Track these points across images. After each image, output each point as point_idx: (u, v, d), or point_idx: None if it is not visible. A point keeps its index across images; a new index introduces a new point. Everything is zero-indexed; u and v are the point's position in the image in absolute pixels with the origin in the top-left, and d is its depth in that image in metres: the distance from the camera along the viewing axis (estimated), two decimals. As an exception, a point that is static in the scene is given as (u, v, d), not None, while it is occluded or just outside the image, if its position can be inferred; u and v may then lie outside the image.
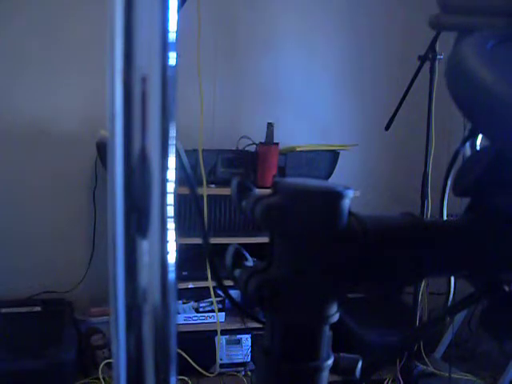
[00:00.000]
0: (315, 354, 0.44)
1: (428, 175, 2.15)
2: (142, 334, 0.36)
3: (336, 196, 0.42)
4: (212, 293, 2.17)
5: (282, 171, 2.31)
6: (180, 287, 2.17)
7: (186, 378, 2.14)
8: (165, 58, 0.34)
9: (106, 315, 2.20)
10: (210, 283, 2.13)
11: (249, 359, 2.29)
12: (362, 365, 0.46)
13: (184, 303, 2.25)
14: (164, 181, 0.35)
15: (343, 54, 2.81)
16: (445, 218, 0.60)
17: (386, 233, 0.45)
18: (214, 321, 2.21)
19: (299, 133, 2.65)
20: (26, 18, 2.33)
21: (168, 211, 0.36)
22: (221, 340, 2.24)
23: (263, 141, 2.30)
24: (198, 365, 2.19)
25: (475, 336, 2.54)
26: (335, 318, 0.45)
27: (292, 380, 0.45)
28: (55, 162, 2.40)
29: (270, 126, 2.29)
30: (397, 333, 2.10)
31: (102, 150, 2.22)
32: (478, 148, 0.54)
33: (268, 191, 0.44)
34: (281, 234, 0.43)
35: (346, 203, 0.43)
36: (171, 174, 0.36)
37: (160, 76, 0.34)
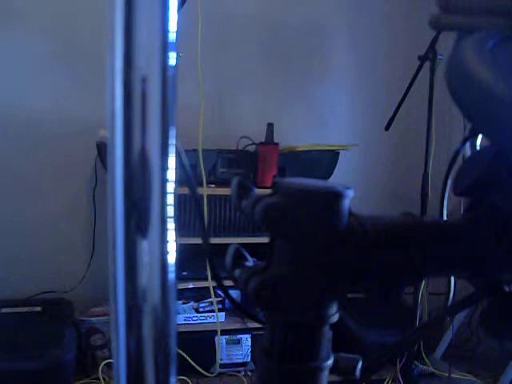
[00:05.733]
0: (315, 354, 0.44)
1: (428, 175, 2.15)
2: (142, 334, 0.36)
3: (336, 196, 0.42)
4: (212, 293, 2.17)
5: (282, 171, 2.31)
6: (180, 287, 2.17)
7: (186, 378, 2.14)
8: (165, 58, 0.34)
9: (106, 315, 2.20)
10: (210, 283, 2.13)
11: (249, 359, 2.29)
12: (362, 365, 0.46)
13: (184, 303, 2.25)
14: (164, 181, 0.35)
15: (343, 53, 2.81)
16: (445, 217, 0.60)
17: (386, 233, 0.45)
18: (214, 321, 2.21)
19: (299, 133, 2.65)
20: (27, 16, 2.33)
21: (168, 211, 0.36)
22: (221, 340, 2.24)
23: (263, 141, 2.30)
24: (198, 365, 2.19)
25: (475, 336, 2.54)
26: (335, 318, 0.45)
27: (292, 380, 0.45)
28: (55, 162, 2.40)
29: (269, 126, 2.29)
30: (397, 333, 2.10)
31: (102, 150, 2.22)
32: (478, 148, 0.54)
33: (268, 191, 0.44)
34: (281, 234, 0.43)
35: (346, 203, 0.43)
36: (171, 174, 0.36)
37: (160, 76, 0.34)
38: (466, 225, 0.48)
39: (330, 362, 0.45)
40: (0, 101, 2.33)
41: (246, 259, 0.47)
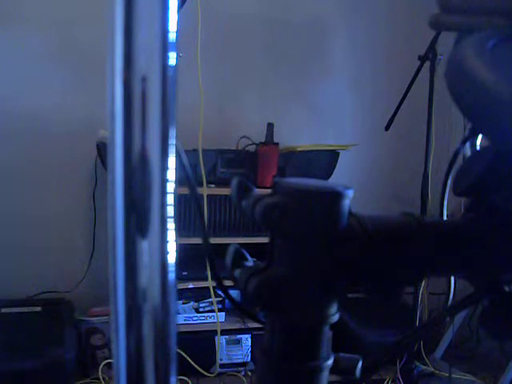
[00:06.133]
0: (315, 354, 0.44)
1: (428, 175, 2.15)
2: (142, 334, 0.36)
3: (336, 196, 0.42)
4: (212, 293, 2.17)
5: (281, 171, 2.31)
6: (180, 287, 2.17)
7: (186, 378, 2.14)
8: (165, 58, 0.34)
9: (106, 315, 2.20)
10: (210, 283, 2.13)
11: (249, 359, 2.29)
12: (362, 365, 0.46)
13: (184, 303, 2.25)
14: (164, 181, 0.35)
15: (343, 53, 2.81)
16: (445, 217, 0.60)
17: (386, 233, 0.45)
18: (214, 321, 2.21)
19: (299, 133, 2.65)
20: (29, 16, 2.33)
21: (168, 211, 0.36)
22: (221, 340, 2.24)
23: (263, 141, 2.30)
24: (198, 365, 2.19)
25: (475, 336, 2.54)
26: (335, 318, 0.45)
27: (292, 380, 0.45)
28: (55, 162, 2.40)
29: (270, 126, 2.29)
30: (397, 333, 2.10)
31: (102, 149, 2.22)
32: (478, 148, 0.54)
33: (268, 191, 0.44)
34: (281, 234, 0.43)
35: (346, 203, 0.43)
36: (171, 174, 0.36)
37: (160, 76, 0.34)
38: (467, 225, 0.48)
39: (330, 362, 0.45)
40: (0, 100, 2.33)
41: (246, 259, 0.47)
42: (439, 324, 2.15)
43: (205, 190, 2.09)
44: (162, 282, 0.36)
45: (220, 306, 2.25)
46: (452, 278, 0.65)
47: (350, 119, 2.83)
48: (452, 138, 2.67)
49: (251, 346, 2.28)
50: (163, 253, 0.36)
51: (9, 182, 2.36)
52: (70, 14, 2.36)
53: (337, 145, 2.41)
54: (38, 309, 2.22)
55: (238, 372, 2.27)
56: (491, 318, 0.47)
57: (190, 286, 2.20)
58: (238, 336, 2.28)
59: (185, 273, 2.18)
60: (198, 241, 1.90)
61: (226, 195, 2.25)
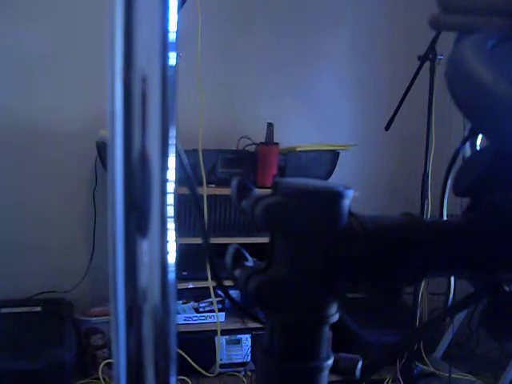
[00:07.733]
0: (315, 353, 0.44)
1: (428, 175, 2.15)
2: (141, 334, 0.36)
3: (336, 196, 0.42)
4: (212, 293, 2.17)
5: (282, 171, 2.31)
6: (180, 287, 2.17)
7: (186, 378, 2.14)
8: (165, 58, 0.34)
9: (106, 315, 2.20)
10: (210, 283, 2.13)
11: (249, 359, 2.29)
12: (362, 365, 0.46)
13: (184, 303, 2.25)
14: (164, 181, 0.35)
15: (343, 53, 2.81)
16: (445, 217, 0.60)
17: (386, 233, 0.45)
18: (214, 321, 2.21)
19: (299, 133, 2.65)
20: (27, 16, 2.33)
21: (168, 211, 0.36)
22: (221, 340, 2.24)
23: (263, 141, 2.30)
24: (198, 365, 2.19)
25: (475, 336, 2.54)
26: (335, 318, 0.45)
27: (292, 380, 0.45)
28: (55, 162, 2.40)
29: (270, 126, 2.29)
30: (397, 333, 2.10)
31: (102, 150, 2.22)
32: (478, 148, 0.54)
33: (268, 191, 0.44)
34: (281, 234, 0.43)
35: (346, 203, 0.43)
36: (171, 174, 0.36)
37: (160, 76, 0.34)
38: (466, 225, 0.48)
39: (330, 362, 0.45)
40: (0, 100, 2.33)
41: (246, 259, 0.47)
42: (439, 324, 2.15)
43: (205, 190, 2.09)
44: (162, 281, 0.36)
45: (220, 306, 2.25)
46: (452, 278, 0.65)
47: (350, 119, 2.83)
48: (452, 138, 2.67)
49: (251, 346, 2.28)
50: (163, 253, 0.36)
51: (9, 182, 2.36)
52: (70, 13, 2.36)
53: (337, 145, 2.41)
54: (38, 309, 2.22)
55: (238, 372, 2.27)
56: (491, 317, 0.47)
57: (190, 286, 2.20)
58: (238, 336, 2.28)
59: (185, 273, 2.18)
60: (198, 241, 1.90)
61: (226, 195, 2.25)
